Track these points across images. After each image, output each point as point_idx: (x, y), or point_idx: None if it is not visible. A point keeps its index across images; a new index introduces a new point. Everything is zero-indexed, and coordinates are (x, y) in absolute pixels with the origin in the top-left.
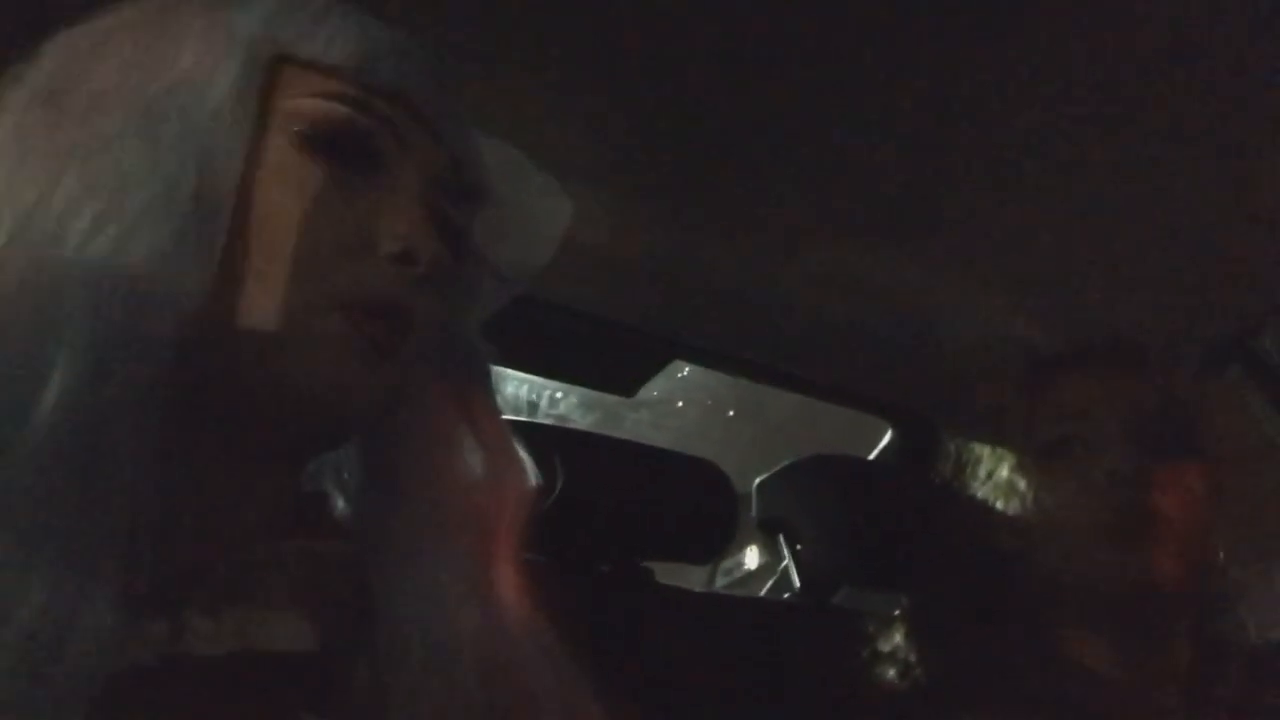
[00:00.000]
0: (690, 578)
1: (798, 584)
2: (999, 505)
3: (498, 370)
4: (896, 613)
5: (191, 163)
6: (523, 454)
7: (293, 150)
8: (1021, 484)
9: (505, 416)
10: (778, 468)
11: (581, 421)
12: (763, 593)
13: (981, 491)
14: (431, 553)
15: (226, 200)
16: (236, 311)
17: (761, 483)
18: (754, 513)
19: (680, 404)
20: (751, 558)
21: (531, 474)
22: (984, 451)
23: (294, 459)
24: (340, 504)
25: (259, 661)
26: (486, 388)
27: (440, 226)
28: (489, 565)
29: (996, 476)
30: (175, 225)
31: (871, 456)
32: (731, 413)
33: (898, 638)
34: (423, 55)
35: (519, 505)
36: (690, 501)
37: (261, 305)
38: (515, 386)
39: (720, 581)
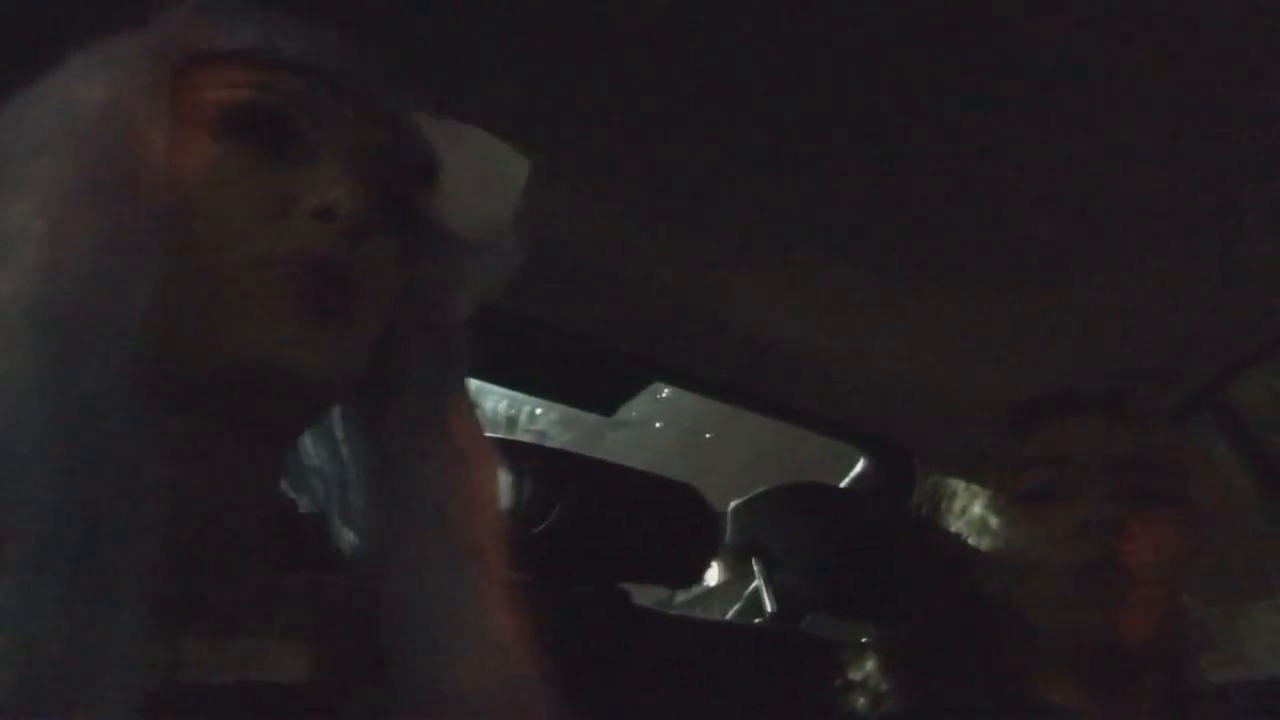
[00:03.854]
0: (652, 590)
1: (770, 609)
2: (972, 542)
3: (478, 385)
4: (864, 640)
5: (117, 175)
6: (497, 464)
7: (210, 140)
8: (995, 523)
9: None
10: (753, 493)
11: (560, 439)
12: (730, 615)
13: (955, 526)
14: (432, 578)
15: (157, 204)
16: (179, 302)
17: (736, 507)
18: (728, 536)
19: (659, 425)
20: (711, 575)
21: (502, 484)
22: (959, 486)
23: (271, 438)
24: (349, 535)
25: (257, 692)
26: (461, 388)
27: (374, 193)
28: (484, 590)
29: (970, 513)
30: (109, 237)
31: (844, 483)
32: (709, 435)
33: (869, 667)
34: (334, 34)
35: (490, 514)
36: (670, 525)
37: (197, 285)
38: (494, 401)
39: (680, 598)
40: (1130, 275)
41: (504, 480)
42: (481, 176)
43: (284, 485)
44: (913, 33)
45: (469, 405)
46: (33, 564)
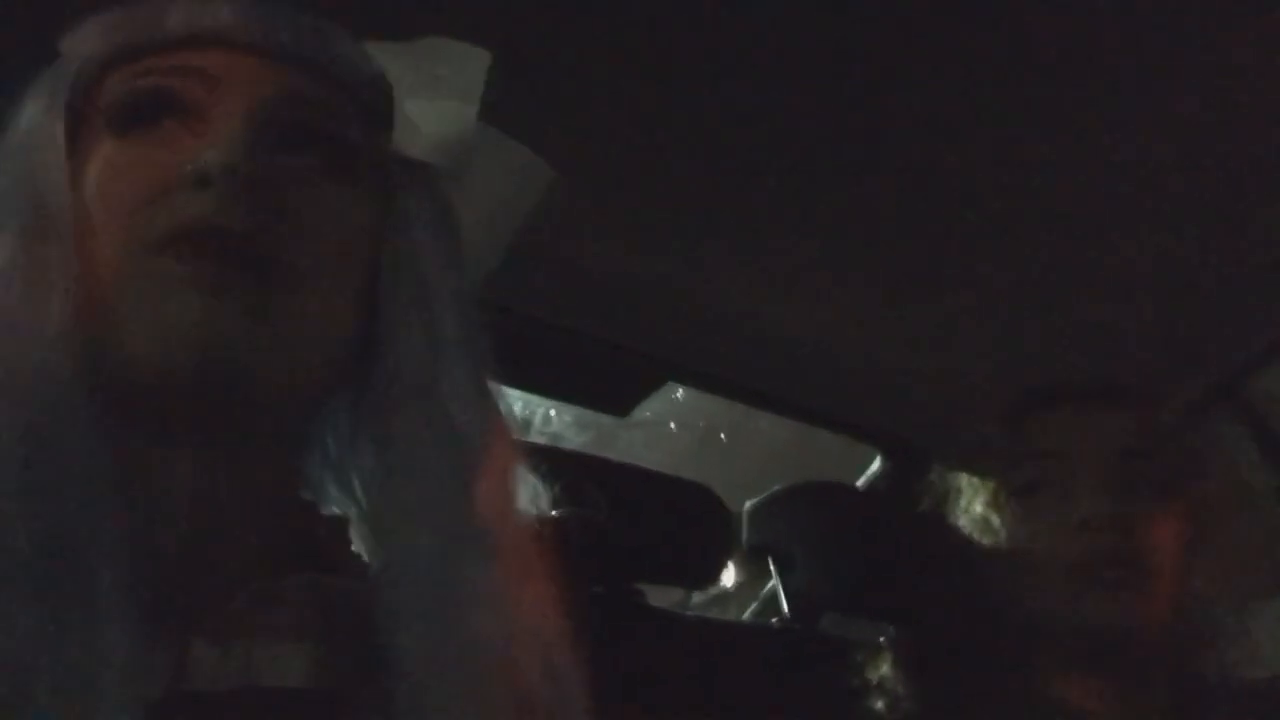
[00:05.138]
0: (667, 593)
1: (786, 610)
2: (977, 538)
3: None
4: (881, 640)
5: (24, 193)
6: (512, 444)
7: (105, 140)
8: (995, 520)
9: None
10: (768, 493)
11: (575, 440)
12: (746, 615)
13: (961, 523)
14: (429, 575)
15: (61, 212)
16: (94, 310)
17: (752, 508)
18: (744, 537)
19: (673, 425)
20: (728, 576)
21: (518, 471)
22: (963, 482)
23: (253, 439)
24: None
25: (263, 698)
26: (472, 361)
27: (299, 141)
28: (489, 585)
29: (973, 509)
30: (20, 251)
31: (860, 483)
32: (724, 436)
33: (885, 668)
34: None
35: (502, 500)
36: (686, 526)
37: (106, 289)
38: (509, 404)
39: (696, 599)
40: (1149, 266)
41: (521, 478)
42: (437, 84)
43: (306, 487)
44: (919, 33)
45: (479, 381)
46: (4, 586)
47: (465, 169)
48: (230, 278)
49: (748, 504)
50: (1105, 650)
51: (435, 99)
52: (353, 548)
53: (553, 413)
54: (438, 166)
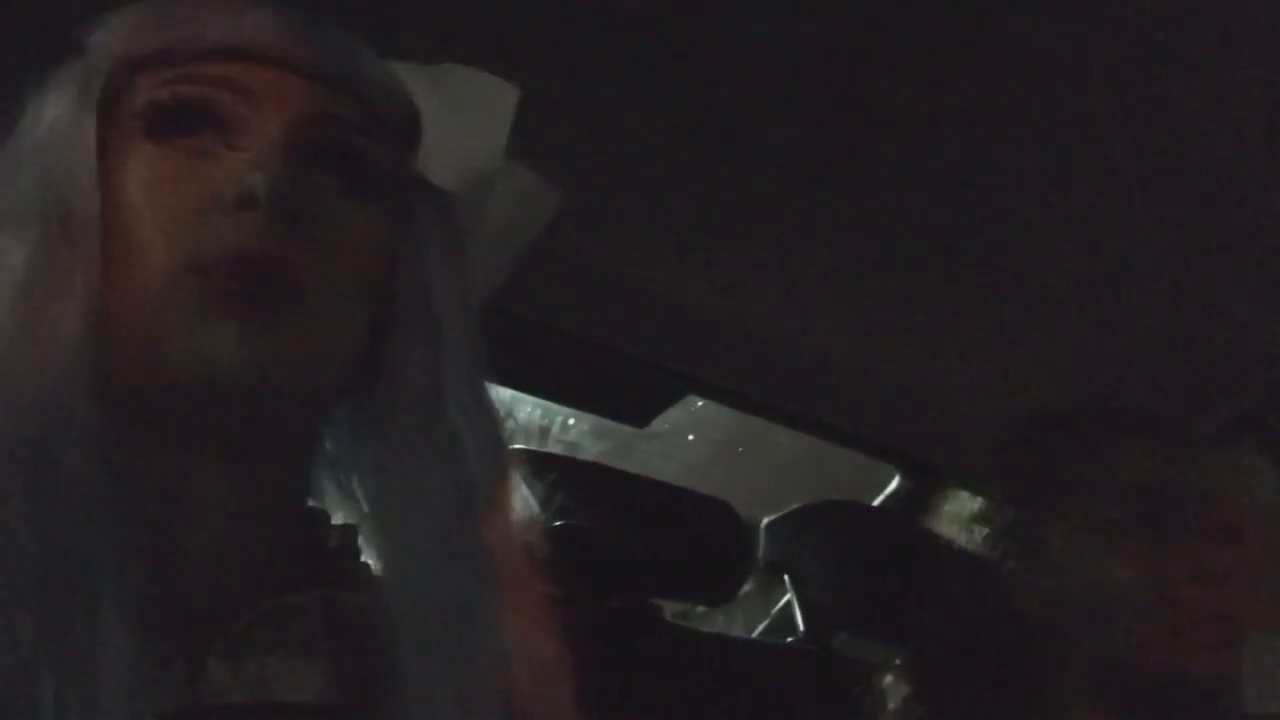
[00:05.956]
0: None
1: (802, 628)
2: (1007, 565)
3: (512, 395)
4: (897, 662)
5: (49, 192)
6: (508, 458)
7: (141, 144)
8: (1032, 547)
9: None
10: (787, 510)
11: (592, 449)
12: (758, 631)
13: (986, 547)
14: (441, 591)
15: (89, 216)
16: (119, 319)
17: (770, 524)
18: (761, 553)
19: (691, 437)
20: None
21: (521, 486)
22: (989, 507)
23: (265, 454)
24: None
25: (275, 713)
26: (469, 370)
27: (330, 163)
28: (490, 597)
29: (1005, 535)
30: (41, 253)
31: (878, 501)
32: (741, 449)
33: (901, 689)
34: (271, 7)
35: (500, 517)
36: (705, 542)
37: (135, 299)
38: (528, 411)
39: (700, 608)
40: (1173, 292)
41: (534, 491)
42: (466, 116)
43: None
44: (924, 37)
45: (483, 399)
46: (12, 599)
47: (486, 202)
48: (265, 301)
49: (766, 520)
50: (1136, 683)
51: (462, 131)
52: (362, 558)
53: (571, 420)
54: (458, 196)
